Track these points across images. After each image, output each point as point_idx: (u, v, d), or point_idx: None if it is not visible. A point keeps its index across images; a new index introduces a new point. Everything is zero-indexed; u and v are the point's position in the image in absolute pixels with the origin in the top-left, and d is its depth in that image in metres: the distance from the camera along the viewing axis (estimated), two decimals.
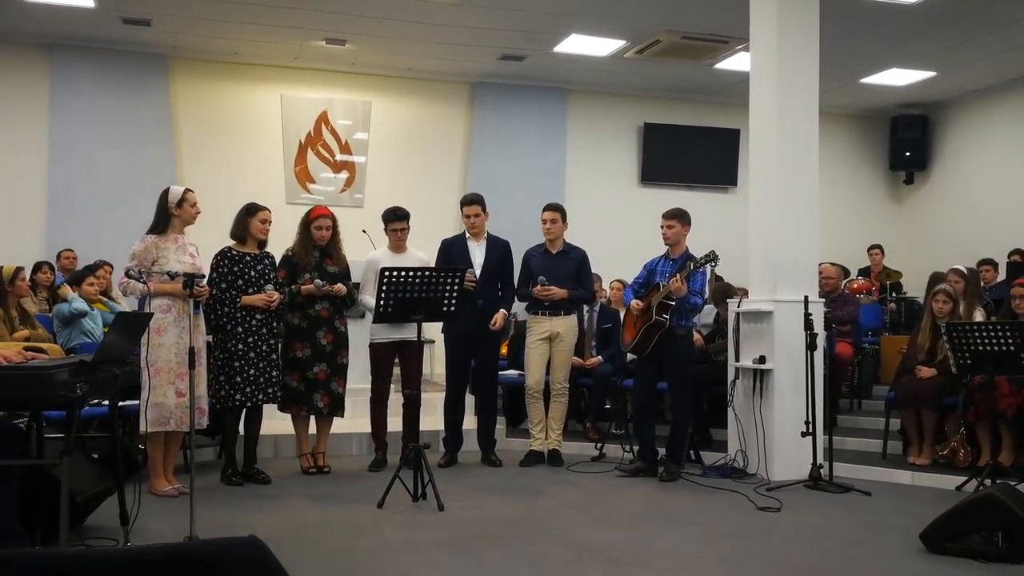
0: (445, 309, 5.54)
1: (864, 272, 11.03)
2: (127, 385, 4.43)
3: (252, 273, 5.87)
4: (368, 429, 6.60)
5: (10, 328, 6.18)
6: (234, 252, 5.91)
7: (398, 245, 6.50)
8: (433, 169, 11.08)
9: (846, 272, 9.59)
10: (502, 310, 6.60)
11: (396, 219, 6.48)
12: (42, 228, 9.79)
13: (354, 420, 6.63)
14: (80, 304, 6.78)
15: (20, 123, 9.88)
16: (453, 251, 6.58)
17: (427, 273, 5.48)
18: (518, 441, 7.17)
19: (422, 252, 6.64)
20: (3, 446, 3.71)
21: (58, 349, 6.03)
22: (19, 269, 6.64)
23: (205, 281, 5.40)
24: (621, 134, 11.87)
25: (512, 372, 7.63)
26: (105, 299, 7.76)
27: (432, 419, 6.93)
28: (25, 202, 9.79)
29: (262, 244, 6.03)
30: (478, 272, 6.50)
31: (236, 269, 5.85)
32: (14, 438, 3.91)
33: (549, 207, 6.77)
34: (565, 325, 6.66)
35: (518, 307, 7.22)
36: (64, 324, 6.77)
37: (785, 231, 6.45)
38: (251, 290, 5.84)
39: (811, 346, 6.01)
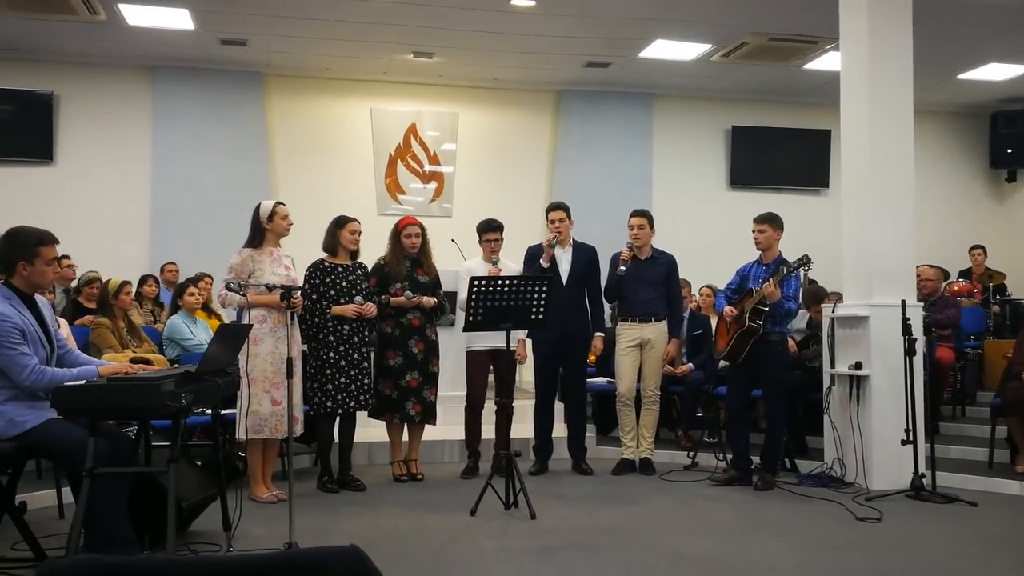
0: (534, 317, 5.57)
1: (965, 274, 10.67)
2: (228, 394, 4.59)
3: (344, 284, 6.00)
4: (460, 436, 6.67)
5: (119, 339, 6.44)
6: (326, 264, 6.05)
7: (491, 256, 6.56)
8: (520, 177, 11.14)
9: (946, 274, 9.29)
10: (598, 335, 6.62)
11: (490, 230, 6.55)
12: (147, 242, 10.17)
13: (446, 427, 6.70)
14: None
15: (126, 141, 10.29)
16: (539, 258, 6.60)
17: (515, 281, 5.53)
18: (608, 449, 7.15)
19: (513, 263, 6.68)
20: (114, 454, 3.88)
21: (163, 360, 6.29)
22: (124, 283, 6.90)
23: (299, 293, 5.54)
24: (709, 137, 11.75)
25: (601, 379, 7.62)
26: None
27: (522, 426, 6.95)
28: (131, 217, 10.19)
29: (354, 255, 6.16)
30: (564, 279, 6.50)
31: (328, 280, 5.98)
32: (124, 447, 4.08)
33: (636, 213, 6.74)
34: (656, 332, 6.62)
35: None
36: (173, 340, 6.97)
37: (880, 233, 6.30)
38: (343, 300, 5.96)
39: (910, 352, 5.84)
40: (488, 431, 6.51)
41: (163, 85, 10.32)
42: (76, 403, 3.64)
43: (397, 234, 6.34)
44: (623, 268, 6.52)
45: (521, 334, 6.59)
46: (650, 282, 6.62)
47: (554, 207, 6.73)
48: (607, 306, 6.98)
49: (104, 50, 9.82)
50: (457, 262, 7.09)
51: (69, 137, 10.16)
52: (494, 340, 6.24)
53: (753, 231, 6.32)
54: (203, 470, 4.86)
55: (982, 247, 10.72)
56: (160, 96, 10.31)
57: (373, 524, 5.09)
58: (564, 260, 6.61)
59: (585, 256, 6.67)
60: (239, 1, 8.42)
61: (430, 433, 6.50)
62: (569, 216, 6.67)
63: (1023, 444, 6.31)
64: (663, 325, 6.66)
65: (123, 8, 8.58)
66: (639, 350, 6.61)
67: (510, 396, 5.88)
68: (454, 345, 6.77)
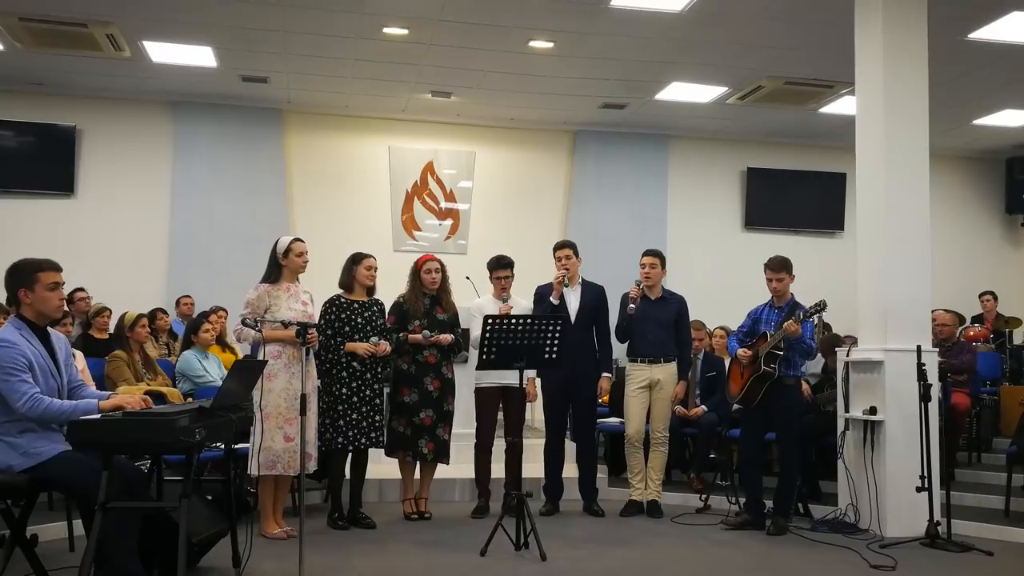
0: (546, 356, 5.58)
1: (978, 319, 10.61)
2: (242, 430, 4.59)
3: (359, 320, 6.02)
4: (470, 475, 6.64)
5: (134, 372, 6.47)
6: (342, 300, 6.07)
7: (501, 293, 6.57)
8: (535, 216, 11.19)
9: (962, 319, 9.24)
10: (605, 375, 6.62)
11: (500, 267, 6.57)
12: (164, 275, 10.24)
13: (457, 466, 6.65)
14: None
15: (146, 175, 10.40)
16: (548, 298, 6.60)
17: (529, 321, 5.55)
18: (620, 491, 7.10)
19: (524, 300, 6.69)
20: (126, 489, 3.88)
21: (177, 394, 6.31)
22: (140, 316, 6.97)
23: (315, 329, 5.56)
24: (724, 179, 11.79)
25: (614, 420, 7.58)
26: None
27: (533, 466, 6.92)
28: (149, 250, 10.28)
29: (370, 291, 6.18)
30: (573, 317, 6.50)
31: (344, 316, 6.00)
32: (137, 481, 4.09)
33: (648, 253, 6.75)
34: (665, 373, 6.60)
35: (619, 352, 7.14)
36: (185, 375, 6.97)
37: (895, 277, 6.29)
38: (357, 336, 5.97)
39: (925, 397, 5.80)
40: (498, 470, 6.49)
41: (184, 120, 10.45)
42: (90, 437, 3.64)
43: (417, 271, 6.36)
44: (633, 306, 6.52)
45: (531, 373, 6.58)
46: (660, 322, 6.61)
47: (560, 245, 6.76)
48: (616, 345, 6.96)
49: (127, 85, 9.97)
50: (471, 299, 7.10)
51: (90, 170, 10.28)
52: (504, 377, 6.23)
53: (769, 279, 6.29)
54: (214, 505, 4.85)
55: (991, 293, 10.68)
56: (181, 131, 10.44)
57: (383, 563, 5.07)
58: (573, 299, 6.62)
59: (594, 295, 6.67)
60: (261, 40, 8.56)
61: (441, 471, 6.47)
62: (576, 254, 6.69)
63: None
64: (673, 366, 6.64)
65: (148, 45, 8.73)
66: (648, 391, 6.59)
67: (520, 434, 5.86)
68: (467, 383, 6.76)
